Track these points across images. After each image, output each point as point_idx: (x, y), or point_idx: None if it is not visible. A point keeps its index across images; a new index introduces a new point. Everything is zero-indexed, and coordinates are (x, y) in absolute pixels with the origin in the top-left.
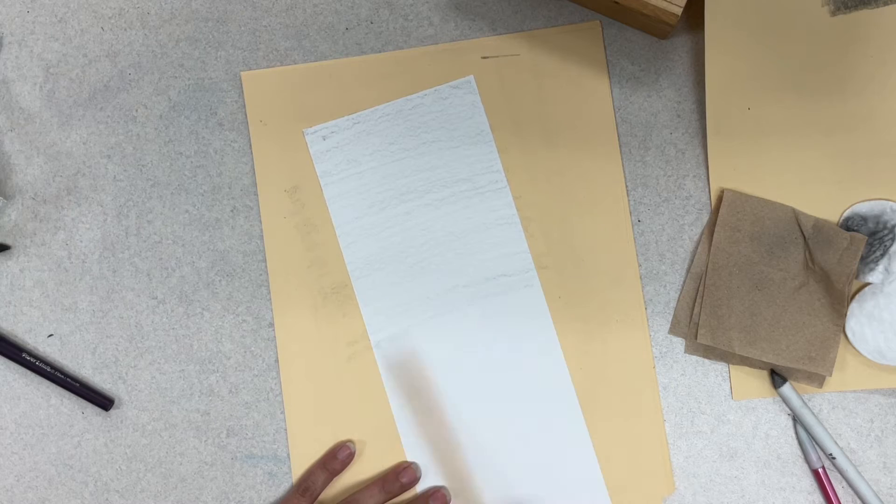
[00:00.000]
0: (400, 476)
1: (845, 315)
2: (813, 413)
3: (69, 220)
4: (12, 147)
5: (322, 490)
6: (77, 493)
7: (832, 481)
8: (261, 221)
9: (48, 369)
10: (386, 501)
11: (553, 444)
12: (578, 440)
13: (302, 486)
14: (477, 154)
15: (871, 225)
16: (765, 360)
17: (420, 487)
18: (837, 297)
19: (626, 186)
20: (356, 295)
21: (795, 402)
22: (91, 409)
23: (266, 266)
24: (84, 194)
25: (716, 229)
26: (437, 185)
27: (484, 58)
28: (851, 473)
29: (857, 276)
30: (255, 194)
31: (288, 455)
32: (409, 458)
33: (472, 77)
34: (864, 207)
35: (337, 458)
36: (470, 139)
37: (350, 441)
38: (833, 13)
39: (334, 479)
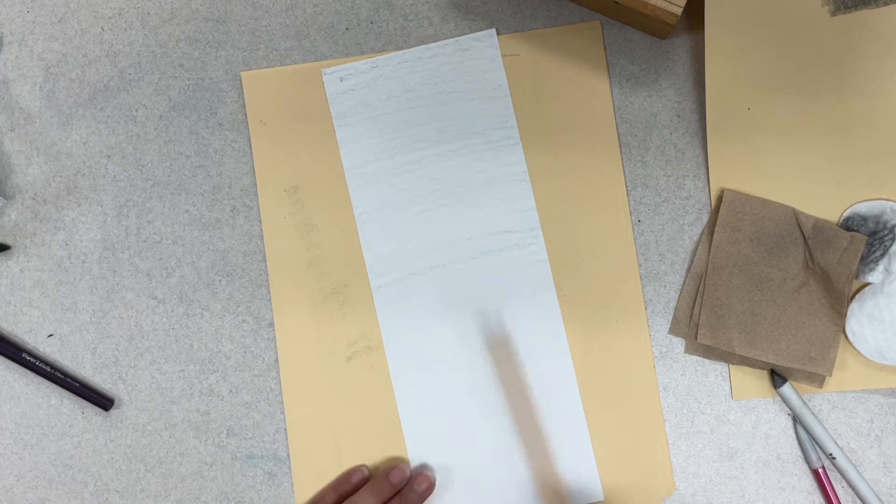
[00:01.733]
0: (391, 477)
1: (845, 315)
2: (813, 413)
3: (69, 220)
4: (12, 147)
5: None
6: (77, 493)
7: (832, 481)
8: (261, 221)
9: (48, 369)
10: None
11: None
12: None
13: None
14: (492, 108)
15: (871, 225)
16: (765, 360)
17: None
18: (837, 297)
19: (626, 186)
20: (360, 238)
21: (795, 402)
22: (91, 409)
23: (266, 266)
24: (84, 194)
25: (716, 229)
26: (450, 136)
27: None
28: (851, 473)
29: (857, 276)
30: (255, 194)
31: (288, 455)
32: (411, 455)
33: (493, 30)
34: (864, 207)
35: (350, 482)
36: (486, 93)
37: (364, 465)
38: (833, 13)
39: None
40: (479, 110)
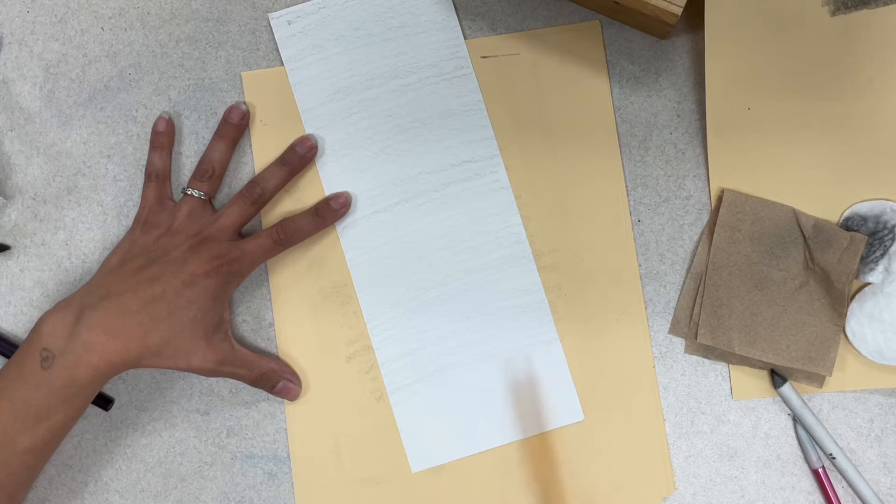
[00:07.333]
0: (296, 146)
1: (845, 315)
2: (813, 413)
3: (69, 220)
4: (12, 147)
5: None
6: (77, 493)
7: (832, 481)
8: (261, 221)
9: None
10: (289, 177)
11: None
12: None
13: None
14: (443, 40)
15: (871, 225)
16: (765, 360)
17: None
18: (837, 297)
19: (626, 186)
20: (321, 181)
21: (795, 402)
22: (91, 409)
23: (266, 266)
24: (84, 194)
25: (716, 229)
26: (403, 70)
27: (484, 57)
28: (851, 473)
29: (857, 276)
30: None
31: (288, 455)
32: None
33: None
34: (864, 207)
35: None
36: (435, 24)
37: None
38: (833, 13)
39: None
40: (430, 42)
